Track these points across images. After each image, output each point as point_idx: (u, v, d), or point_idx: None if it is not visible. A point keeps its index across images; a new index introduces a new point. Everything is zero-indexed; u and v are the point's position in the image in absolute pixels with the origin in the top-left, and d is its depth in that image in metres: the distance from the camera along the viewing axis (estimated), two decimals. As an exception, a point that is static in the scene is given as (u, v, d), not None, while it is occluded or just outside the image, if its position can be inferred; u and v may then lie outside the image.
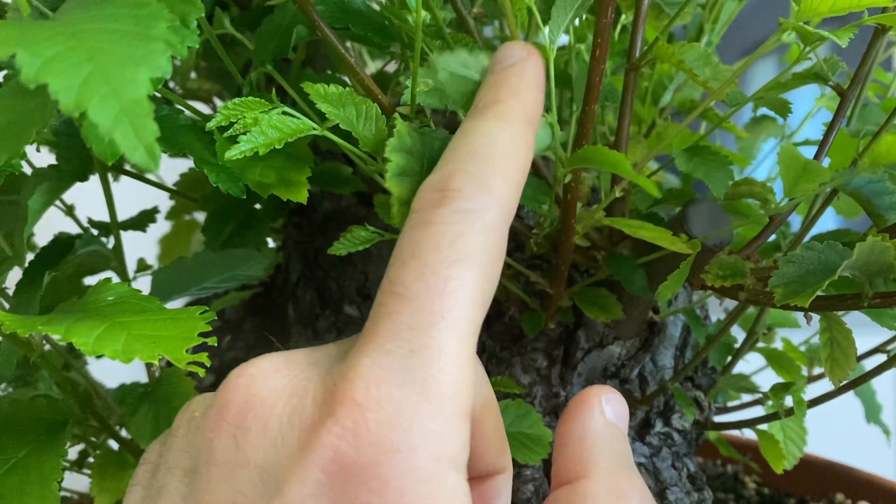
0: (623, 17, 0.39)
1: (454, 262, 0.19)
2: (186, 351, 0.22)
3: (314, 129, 0.25)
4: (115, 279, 0.33)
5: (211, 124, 0.24)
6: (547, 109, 0.26)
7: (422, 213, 0.20)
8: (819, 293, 0.29)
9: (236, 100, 0.24)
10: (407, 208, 0.24)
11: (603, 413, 0.23)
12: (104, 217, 0.37)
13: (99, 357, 0.44)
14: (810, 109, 0.50)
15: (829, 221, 0.57)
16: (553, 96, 0.27)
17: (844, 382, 0.37)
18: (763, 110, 0.51)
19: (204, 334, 0.22)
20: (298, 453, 0.18)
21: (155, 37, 0.18)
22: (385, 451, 0.18)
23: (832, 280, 0.25)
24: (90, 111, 0.16)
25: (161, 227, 0.51)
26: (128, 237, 0.42)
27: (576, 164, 0.27)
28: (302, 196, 0.27)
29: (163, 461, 0.21)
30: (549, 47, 0.27)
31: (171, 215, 0.46)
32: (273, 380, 0.20)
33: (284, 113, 0.25)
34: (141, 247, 0.43)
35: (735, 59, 0.47)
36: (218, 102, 0.44)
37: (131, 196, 0.43)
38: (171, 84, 0.40)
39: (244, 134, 0.23)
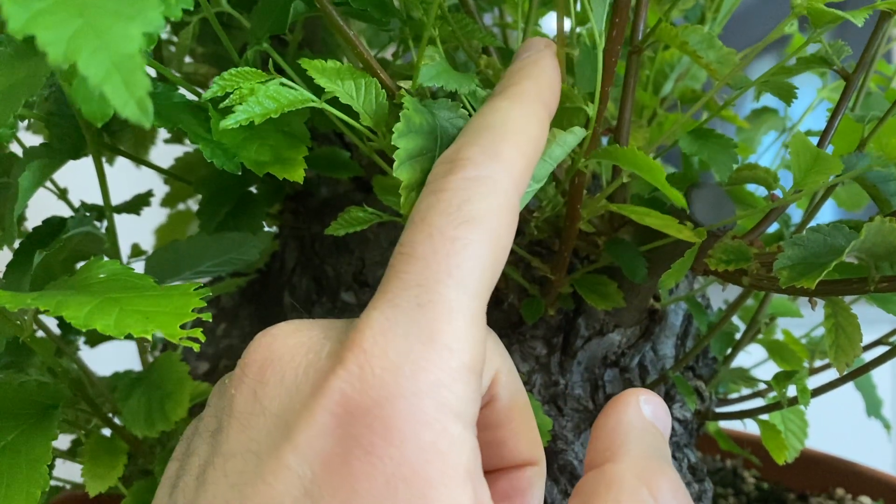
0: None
1: (461, 223, 0.20)
2: (181, 327, 0.21)
3: (312, 100, 0.24)
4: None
5: (207, 94, 0.24)
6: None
7: (432, 184, 0.21)
8: (824, 278, 0.29)
9: (232, 70, 0.24)
10: (416, 194, 0.23)
11: (639, 409, 0.23)
12: (99, 202, 0.37)
13: (94, 346, 0.44)
14: (812, 101, 0.50)
15: (828, 214, 0.57)
16: (598, 83, 0.26)
17: (846, 373, 0.36)
18: (764, 101, 0.51)
19: (199, 310, 0.21)
20: (308, 398, 0.19)
21: (149, -5, 0.17)
22: (389, 396, 0.18)
23: (838, 263, 0.25)
24: (80, 63, 0.15)
25: (158, 217, 0.51)
26: (124, 227, 0.41)
27: (601, 158, 0.27)
28: (298, 174, 0.26)
29: (197, 430, 0.22)
30: (599, 34, 0.26)
31: (166, 202, 0.45)
32: (293, 338, 0.21)
33: (282, 84, 0.24)
34: (137, 237, 0.43)
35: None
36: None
37: (127, 183, 0.43)
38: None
39: (240, 105, 0.23)
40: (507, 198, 0.21)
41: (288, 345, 0.21)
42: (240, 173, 0.25)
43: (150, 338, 0.20)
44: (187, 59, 0.42)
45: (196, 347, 0.20)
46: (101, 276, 0.24)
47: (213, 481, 0.19)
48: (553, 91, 0.24)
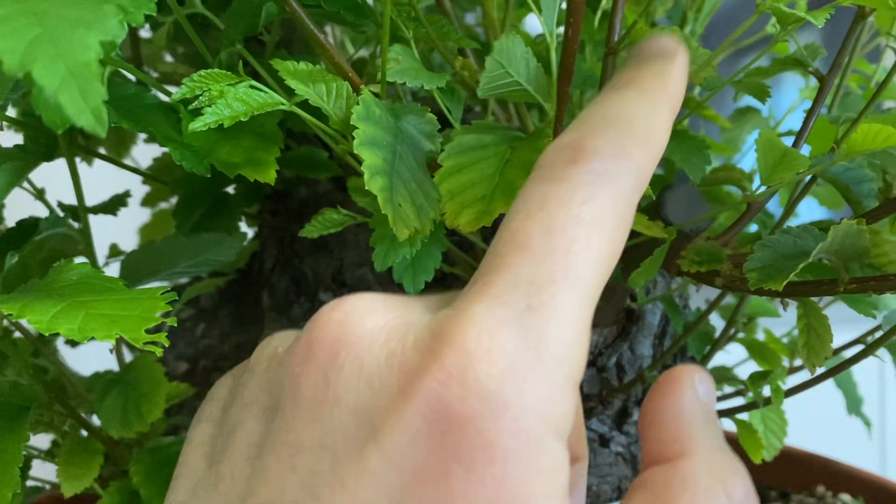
0: (604, 1, 0.39)
1: (584, 223, 0.18)
2: (150, 330, 0.21)
3: (282, 103, 0.24)
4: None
5: (175, 96, 0.24)
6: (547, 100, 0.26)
7: (551, 169, 0.19)
8: (795, 279, 0.29)
9: (202, 71, 0.24)
10: (383, 178, 0.23)
11: (696, 391, 0.21)
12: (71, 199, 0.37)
13: (74, 347, 0.43)
14: (794, 101, 0.50)
15: (816, 212, 0.57)
16: (554, 82, 0.26)
17: (822, 371, 0.36)
18: (747, 101, 0.51)
19: (165, 314, 0.21)
20: (397, 397, 0.17)
21: (110, 1, 0.17)
22: (493, 407, 0.17)
23: (807, 264, 0.25)
24: (35, 73, 0.15)
25: (143, 216, 0.50)
26: (108, 226, 0.41)
27: None
28: (269, 176, 0.26)
29: (237, 397, 0.20)
30: (549, 32, 0.26)
31: (146, 202, 0.45)
32: (370, 319, 0.19)
33: (252, 87, 0.24)
34: (121, 235, 0.43)
35: (726, 59, 0.46)
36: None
37: (110, 182, 0.42)
38: (145, 68, 0.39)
39: (209, 108, 0.23)
40: (629, 204, 0.19)
41: (365, 327, 0.18)
42: (209, 175, 0.25)
43: (113, 342, 0.20)
44: (168, 59, 0.42)
45: (159, 352, 0.20)
46: (73, 278, 0.24)
47: (277, 474, 0.18)
48: (682, 94, 0.22)
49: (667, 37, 0.23)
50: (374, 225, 0.26)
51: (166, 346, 0.20)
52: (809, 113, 0.32)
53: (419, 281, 0.29)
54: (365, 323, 0.18)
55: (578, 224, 0.18)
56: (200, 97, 0.23)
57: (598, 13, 0.39)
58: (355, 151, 0.22)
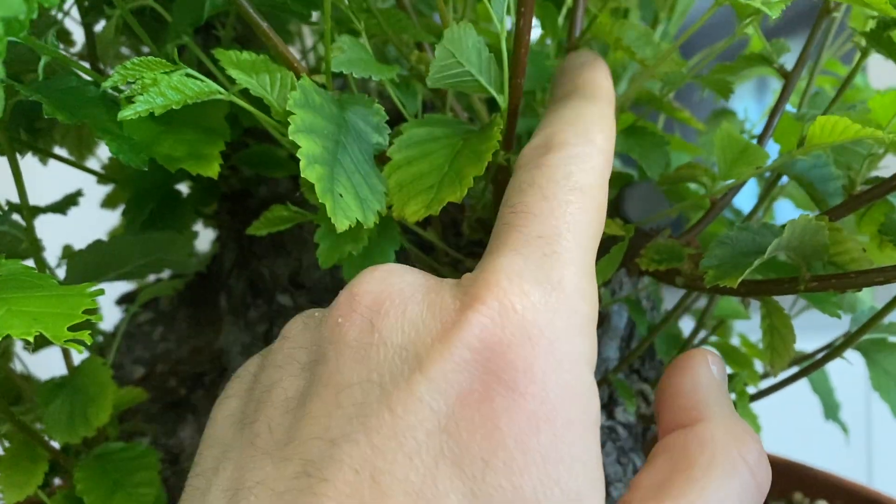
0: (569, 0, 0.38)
1: (570, 189, 0.21)
2: (71, 329, 0.20)
3: (220, 93, 0.23)
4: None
5: (105, 84, 0.23)
6: (500, 91, 0.26)
7: (532, 160, 0.23)
8: (758, 277, 0.28)
9: (135, 59, 0.23)
10: (322, 167, 0.23)
11: (710, 369, 0.24)
12: (49, 199, 0.36)
13: (34, 352, 0.42)
14: (770, 102, 0.49)
15: (794, 215, 0.56)
16: (506, 73, 0.26)
17: (790, 374, 0.36)
18: (724, 103, 0.51)
19: (89, 311, 0.20)
20: (442, 333, 0.19)
21: (13, -23, 0.16)
22: (531, 335, 0.19)
23: (769, 262, 0.24)
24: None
25: (111, 218, 0.49)
26: (74, 227, 0.40)
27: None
28: (213, 170, 0.25)
29: (268, 364, 0.21)
30: (499, 23, 0.25)
31: (107, 203, 0.44)
32: (409, 275, 0.21)
33: (188, 75, 0.23)
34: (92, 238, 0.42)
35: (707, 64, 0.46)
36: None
37: (77, 181, 0.41)
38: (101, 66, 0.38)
39: (141, 96, 0.22)
40: (602, 177, 0.22)
41: (406, 280, 0.21)
42: (146, 168, 0.24)
43: (30, 339, 0.19)
44: (124, 51, 0.41)
45: (80, 350, 0.19)
46: (0, 274, 0.23)
47: (322, 413, 0.18)
48: (613, 91, 0.26)
49: (585, 51, 0.28)
50: (318, 219, 0.25)
51: (89, 343, 0.19)
52: (774, 110, 0.31)
53: (370, 280, 0.28)
54: (405, 278, 0.21)
55: (568, 192, 0.21)
56: (133, 85, 0.22)
57: (563, 10, 0.38)
58: (290, 138, 0.22)
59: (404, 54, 0.31)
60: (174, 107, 0.22)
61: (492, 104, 0.31)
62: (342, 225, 0.22)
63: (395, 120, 0.29)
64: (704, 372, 0.23)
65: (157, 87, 0.22)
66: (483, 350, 0.18)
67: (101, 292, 0.21)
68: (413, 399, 0.18)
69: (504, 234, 0.21)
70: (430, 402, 0.18)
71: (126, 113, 0.21)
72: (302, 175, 0.22)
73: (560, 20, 0.39)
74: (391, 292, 0.20)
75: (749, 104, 0.57)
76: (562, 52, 0.40)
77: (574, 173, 0.22)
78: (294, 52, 0.40)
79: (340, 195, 0.22)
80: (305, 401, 0.19)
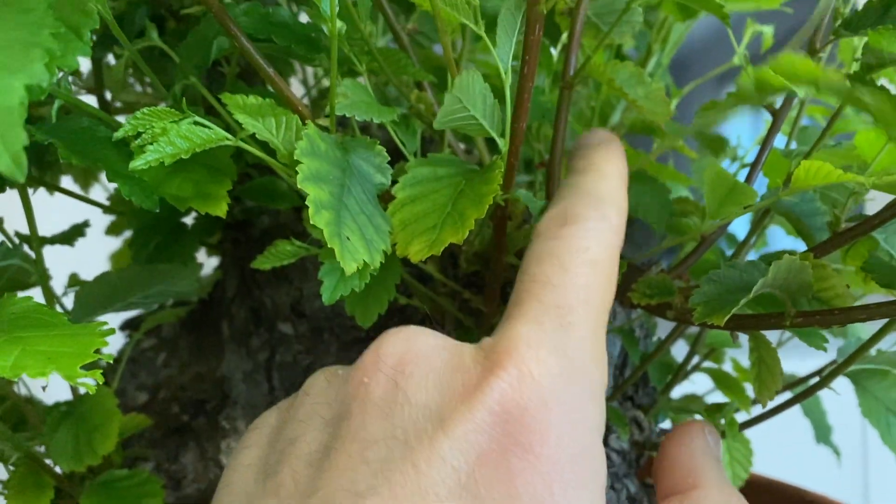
0: (564, 35, 0.39)
1: (586, 261, 0.23)
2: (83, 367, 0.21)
3: (227, 139, 0.24)
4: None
5: (118, 134, 0.24)
6: (502, 135, 0.27)
7: (550, 231, 0.24)
8: (747, 310, 0.29)
9: (145, 109, 0.24)
10: (329, 212, 0.24)
11: (706, 438, 0.26)
12: (53, 221, 0.36)
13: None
14: (761, 132, 0.50)
15: (786, 241, 0.58)
16: (508, 117, 0.27)
17: (782, 401, 0.36)
18: (716, 129, 0.52)
19: (97, 350, 0.21)
20: (464, 395, 0.20)
21: (36, 44, 0.17)
22: (547, 400, 0.20)
23: (750, 299, 0.25)
24: (-45, 117, 0.15)
25: (113, 243, 0.50)
26: (77, 253, 0.41)
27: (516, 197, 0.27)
28: (221, 210, 0.26)
29: (291, 417, 0.23)
30: (504, 70, 0.27)
31: (111, 230, 0.45)
32: (431, 338, 0.22)
33: (196, 123, 0.24)
34: (91, 263, 0.42)
35: (702, 88, 0.47)
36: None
37: (80, 209, 0.42)
38: (108, 96, 0.39)
39: (151, 145, 0.23)
40: (614, 251, 0.24)
41: (429, 343, 0.22)
42: (157, 210, 0.25)
43: (47, 379, 0.20)
44: (138, 88, 0.42)
45: (92, 390, 0.20)
46: (14, 312, 0.24)
47: (348, 467, 0.19)
48: (626, 169, 0.28)
49: (601, 130, 0.30)
50: (323, 257, 0.26)
51: (101, 383, 0.20)
52: (762, 147, 0.32)
53: (371, 313, 0.29)
54: (428, 341, 0.22)
55: (583, 265, 0.23)
56: (143, 135, 0.23)
57: (559, 45, 0.40)
58: (299, 187, 0.23)
59: (404, 93, 0.32)
60: (183, 156, 0.23)
61: (492, 143, 0.32)
62: (350, 268, 0.23)
63: (394, 152, 0.30)
64: (700, 442, 0.25)
65: (167, 136, 0.23)
66: (502, 413, 0.20)
67: (112, 331, 0.22)
68: (436, 456, 0.19)
69: (524, 303, 0.22)
70: (451, 460, 0.19)
71: (138, 163, 0.22)
72: (311, 221, 0.23)
73: (554, 53, 0.40)
74: (415, 354, 0.21)
75: (742, 128, 0.58)
76: (556, 88, 0.41)
77: (590, 247, 0.23)
78: (294, 81, 0.41)
79: (348, 238, 0.23)
80: (330, 454, 0.20)
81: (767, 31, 0.45)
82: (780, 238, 0.48)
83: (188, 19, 0.37)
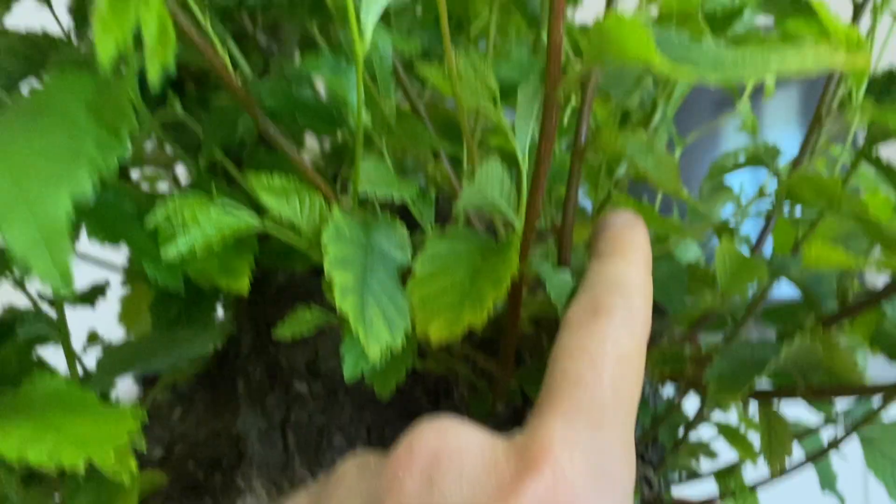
0: (573, 99, 0.40)
1: (617, 357, 0.23)
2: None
3: (255, 225, 0.25)
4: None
5: (148, 224, 0.24)
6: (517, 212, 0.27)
7: (581, 323, 0.25)
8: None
9: (174, 196, 0.24)
10: (354, 297, 0.24)
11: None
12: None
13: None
14: (763, 180, 0.51)
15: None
16: (524, 198, 0.27)
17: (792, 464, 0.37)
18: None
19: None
20: (499, 495, 0.20)
21: (80, 152, 0.18)
22: (580, 502, 0.20)
23: (762, 376, 0.26)
24: (7, 235, 0.16)
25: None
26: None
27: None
28: (243, 284, 0.27)
29: None
30: (522, 157, 0.27)
31: (128, 280, 0.46)
32: (464, 435, 0.22)
33: (224, 205, 0.25)
34: (103, 304, 0.43)
35: (707, 112, 0.48)
36: (179, 169, 0.44)
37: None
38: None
39: (182, 236, 0.24)
40: (643, 342, 0.25)
41: (462, 438, 0.22)
42: (182, 292, 0.26)
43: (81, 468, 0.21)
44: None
45: (126, 481, 0.20)
46: (44, 392, 0.25)
47: None
48: (650, 253, 0.29)
49: (626, 211, 0.30)
50: (345, 334, 0.27)
51: (134, 472, 0.21)
52: (769, 217, 0.33)
53: (389, 383, 0.30)
54: (460, 435, 0.22)
55: (614, 361, 0.23)
56: (172, 220, 0.24)
57: (568, 109, 0.40)
58: (326, 272, 0.23)
59: (421, 162, 0.33)
60: (214, 245, 0.24)
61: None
62: (374, 353, 0.23)
63: (407, 213, 0.31)
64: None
65: (198, 225, 0.24)
66: None
67: (145, 417, 0.23)
68: None
69: (556, 399, 0.23)
70: None
71: (170, 253, 0.23)
72: (337, 305, 0.23)
73: (564, 119, 0.41)
74: (449, 449, 0.22)
75: (744, 174, 0.58)
76: (566, 150, 0.42)
77: (620, 341, 0.24)
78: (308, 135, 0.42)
79: (371, 321, 0.24)
80: None
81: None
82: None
83: (207, 83, 0.38)
